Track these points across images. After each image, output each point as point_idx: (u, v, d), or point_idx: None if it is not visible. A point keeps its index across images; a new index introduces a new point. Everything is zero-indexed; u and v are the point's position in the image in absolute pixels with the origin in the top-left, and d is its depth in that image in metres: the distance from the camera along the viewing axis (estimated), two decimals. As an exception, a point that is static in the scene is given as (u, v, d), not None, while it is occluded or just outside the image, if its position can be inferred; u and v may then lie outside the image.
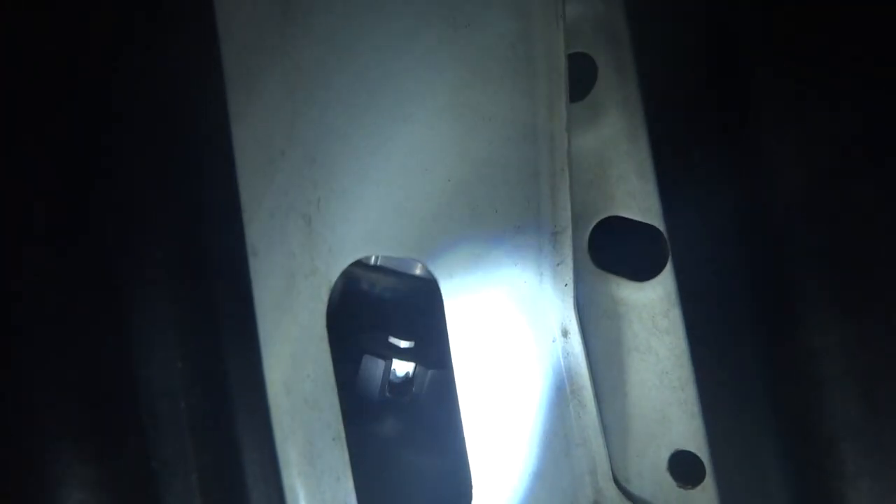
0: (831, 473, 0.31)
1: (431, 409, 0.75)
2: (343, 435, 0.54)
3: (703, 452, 0.61)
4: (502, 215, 0.65)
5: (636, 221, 0.67)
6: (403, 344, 0.75)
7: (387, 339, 0.75)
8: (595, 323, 0.70)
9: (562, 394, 0.70)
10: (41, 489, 0.38)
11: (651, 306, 0.67)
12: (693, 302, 0.42)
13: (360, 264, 0.77)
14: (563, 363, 0.70)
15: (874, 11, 0.33)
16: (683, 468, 0.68)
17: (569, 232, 0.68)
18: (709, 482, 0.61)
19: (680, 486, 0.68)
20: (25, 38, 0.36)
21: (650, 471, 0.69)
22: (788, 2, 0.34)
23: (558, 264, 0.68)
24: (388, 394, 0.74)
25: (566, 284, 0.68)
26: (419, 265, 0.64)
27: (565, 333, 0.70)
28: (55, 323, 0.39)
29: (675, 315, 0.59)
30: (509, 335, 0.67)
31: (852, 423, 0.31)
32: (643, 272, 0.68)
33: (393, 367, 0.74)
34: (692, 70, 0.39)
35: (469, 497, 0.65)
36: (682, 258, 0.44)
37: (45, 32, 0.37)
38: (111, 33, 0.36)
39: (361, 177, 0.56)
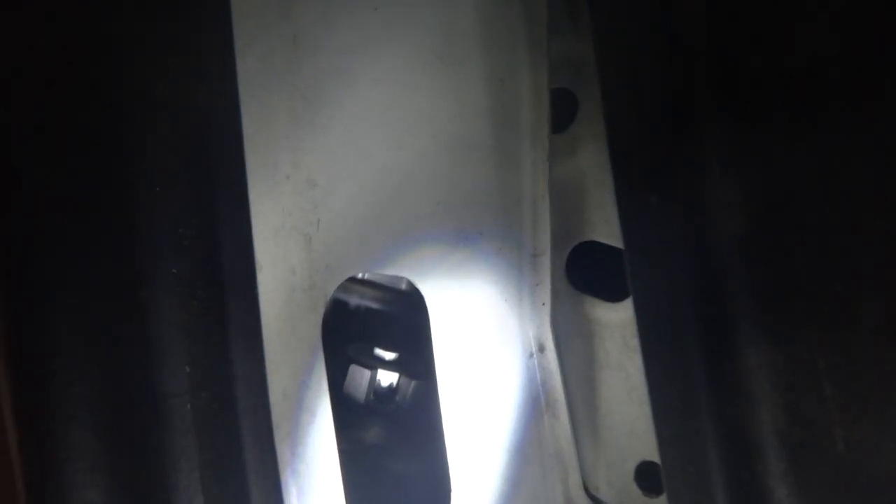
0: (762, 473, 0.37)
1: (414, 418, 0.78)
2: (333, 437, 0.58)
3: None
4: (486, 238, 0.69)
5: (610, 246, 0.71)
6: (388, 355, 0.78)
7: (373, 350, 0.78)
8: (570, 340, 0.73)
9: (537, 406, 0.73)
10: (60, 485, 0.42)
11: (622, 326, 0.71)
12: (648, 325, 0.47)
13: (349, 278, 0.81)
14: (538, 377, 0.73)
15: (812, 81, 0.38)
16: (649, 478, 0.72)
17: (547, 254, 0.71)
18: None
19: (645, 495, 0.72)
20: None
21: (618, 480, 0.73)
22: (736, 69, 0.40)
23: (537, 284, 0.72)
24: (373, 402, 0.77)
25: (543, 304, 0.72)
26: (405, 281, 0.68)
27: (542, 349, 0.74)
28: (77, 333, 0.42)
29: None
30: (489, 349, 0.70)
31: (779, 430, 0.36)
32: (616, 294, 0.72)
33: (378, 377, 0.77)
34: (652, 116, 0.44)
35: (448, 501, 0.68)
36: (640, 285, 0.48)
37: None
38: (144, 71, 0.41)
39: (358, 200, 0.60)
